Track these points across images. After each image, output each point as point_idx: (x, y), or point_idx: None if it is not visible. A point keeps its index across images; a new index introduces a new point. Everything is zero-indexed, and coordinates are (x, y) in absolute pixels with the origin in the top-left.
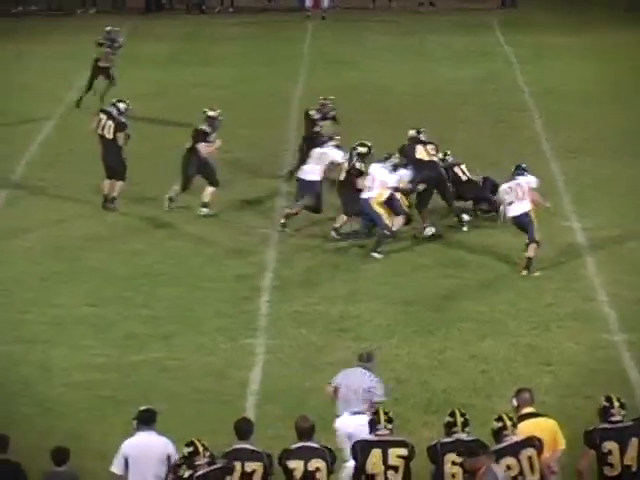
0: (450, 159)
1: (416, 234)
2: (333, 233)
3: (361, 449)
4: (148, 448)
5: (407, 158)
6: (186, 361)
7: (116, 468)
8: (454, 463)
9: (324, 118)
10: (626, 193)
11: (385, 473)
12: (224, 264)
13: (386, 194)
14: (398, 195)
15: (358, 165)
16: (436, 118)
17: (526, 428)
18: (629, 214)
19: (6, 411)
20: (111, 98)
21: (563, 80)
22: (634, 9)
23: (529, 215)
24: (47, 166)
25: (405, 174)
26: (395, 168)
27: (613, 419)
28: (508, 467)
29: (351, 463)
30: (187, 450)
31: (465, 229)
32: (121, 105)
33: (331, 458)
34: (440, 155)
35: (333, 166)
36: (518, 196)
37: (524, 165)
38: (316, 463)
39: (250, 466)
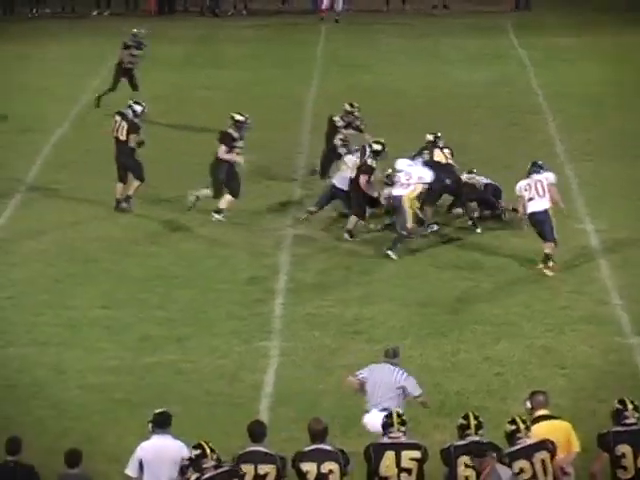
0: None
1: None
2: (346, 235)
3: (374, 452)
4: (163, 451)
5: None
6: (200, 363)
7: (131, 471)
8: (467, 466)
9: (348, 126)
10: None
11: (398, 476)
12: (238, 266)
13: (419, 190)
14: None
15: (370, 162)
16: (449, 121)
17: (540, 430)
18: None
19: (20, 413)
20: (128, 100)
21: (577, 82)
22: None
23: (548, 213)
24: (61, 168)
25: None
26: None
27: (627, 422)
28: (521, 470)
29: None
30: (195, 452)
31: (479, 230)
32: (137, 107)
33: (344, 460)
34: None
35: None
36: (539, 193)
37: (540, 162)
38: (329, 465)
39: (263, 469)
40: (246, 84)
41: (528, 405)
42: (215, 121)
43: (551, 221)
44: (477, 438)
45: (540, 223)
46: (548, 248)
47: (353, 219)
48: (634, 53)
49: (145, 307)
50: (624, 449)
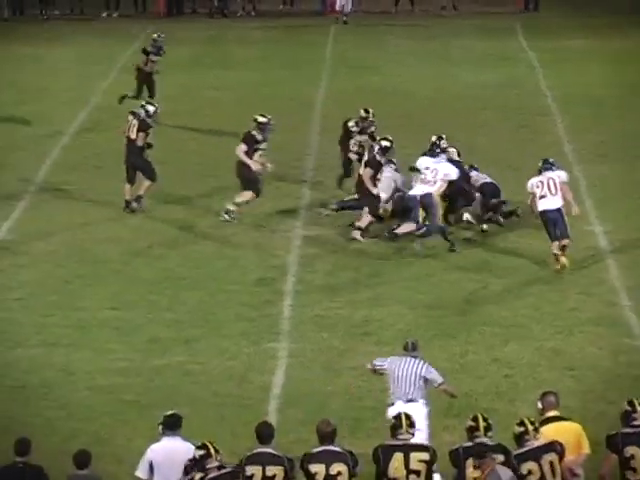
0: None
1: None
2: (357, 234)
3: (383, 453)
4: (173, 453)
5: None
6: (209, 365)
7: (141, 473)
8: (476, 467)
9: (362, 132)
10: None
11: (407, 477)
12: (247, 268)
13: (444, 187)
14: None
15: (378, 157)
16: (458, 122)
17: (550, 431)
18: None
19: (29, 414)
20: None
21: (586, 84)
22: None
23: (561, 211)
24: (71, 169)
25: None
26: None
27: (635, 423)
28: (529, 472)
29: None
30: (199, 453)
31: (485, 227)
32: (150, 107)
33: (353, 462)
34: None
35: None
36: (551, 190)
37: (552, 159)
38: (338, 467)
39: (271, 470)
40: (255, 85)
41: (539, 406)
42: (224, 122)
43: (564, 218)
44: (485, 440)
45: (553, 221)
46: (565, 241)
47: (366, 218)
48: None
49: (154, 308)
50: (633, 450)
